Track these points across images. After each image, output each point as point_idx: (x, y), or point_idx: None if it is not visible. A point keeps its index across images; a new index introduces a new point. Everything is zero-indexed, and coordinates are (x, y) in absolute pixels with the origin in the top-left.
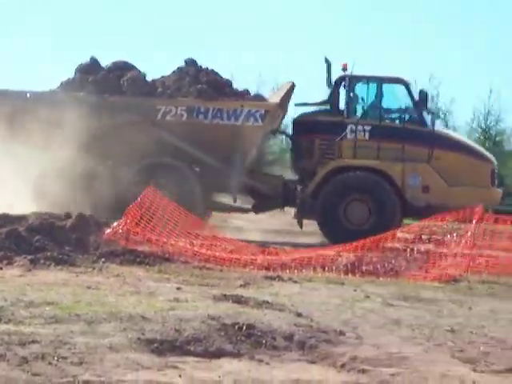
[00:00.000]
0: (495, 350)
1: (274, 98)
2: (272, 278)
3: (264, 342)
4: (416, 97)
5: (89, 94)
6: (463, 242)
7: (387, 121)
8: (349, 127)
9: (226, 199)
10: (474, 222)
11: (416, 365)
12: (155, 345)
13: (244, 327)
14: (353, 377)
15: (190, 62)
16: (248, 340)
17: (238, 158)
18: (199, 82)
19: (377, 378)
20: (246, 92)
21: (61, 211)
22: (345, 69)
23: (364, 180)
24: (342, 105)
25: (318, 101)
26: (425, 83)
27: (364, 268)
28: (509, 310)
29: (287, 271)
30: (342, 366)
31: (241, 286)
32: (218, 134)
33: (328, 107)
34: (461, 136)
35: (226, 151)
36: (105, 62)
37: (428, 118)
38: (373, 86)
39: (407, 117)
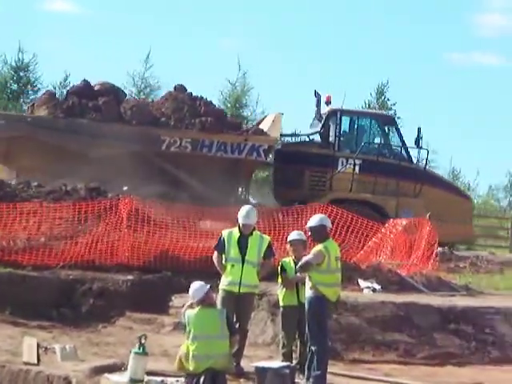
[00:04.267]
0: None
1: (274, 133)
2: None
3: None
4: (402, 133)
5: (93, 122)
6: None
7: (378, 156)
8: (340, 160)
9: None
10: None
11: None
12: None
13: None
14: None
15: (180, 89)
16: None
17: (237, 190)
18: (198, 113)
19: None
20: (240, 123)
21: None
22: (328, 102)
23: (360, 213)
24: (331, 137)
25: (307, 132)
26: None
27: None
28: None
29: None
30: None
31: None
32: (221, 167)
33: (313, 139)
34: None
35: (226, 184)
36: None
37: (421, 155)
38: (362, 121)
39: (397, 153)
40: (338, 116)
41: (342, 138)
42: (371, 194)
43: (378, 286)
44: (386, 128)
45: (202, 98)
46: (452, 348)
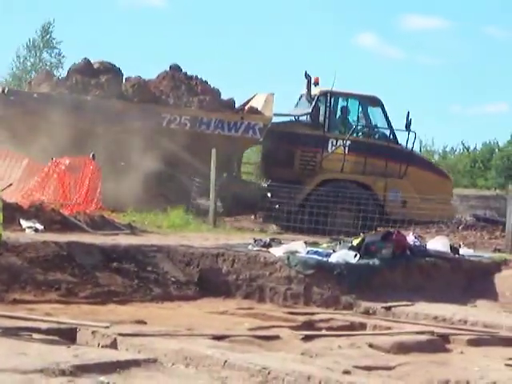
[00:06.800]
0: None
1: (267, 112)
2: None
3: None
4: (389, 115)
5: (97, 99)
6: None
7: (367, 137)
8: (330, 141)
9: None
10: None
11: None
12: None
13: None
14: None
15: (175, 68)
16: None
17: (233, 167)
18: (195, 92)
19: None
20: (233, 101)
21: None
22: (316, 83)
23: (352, 192)
24: (321, 118)
25: (299, 112)
26: None
27: None
28: None
29: None
30: None
31: None
32: (218, 145)
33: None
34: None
35: (221, 161)
36: None
37: (409, 137)
38: (352, 103)
39: (385, 134)
40: (329, 97)
41: (331, 119)
42: (361, 175)
43: (40, 226)
44: (374, 109)
45: (197, 77)
46: (114, 286)
